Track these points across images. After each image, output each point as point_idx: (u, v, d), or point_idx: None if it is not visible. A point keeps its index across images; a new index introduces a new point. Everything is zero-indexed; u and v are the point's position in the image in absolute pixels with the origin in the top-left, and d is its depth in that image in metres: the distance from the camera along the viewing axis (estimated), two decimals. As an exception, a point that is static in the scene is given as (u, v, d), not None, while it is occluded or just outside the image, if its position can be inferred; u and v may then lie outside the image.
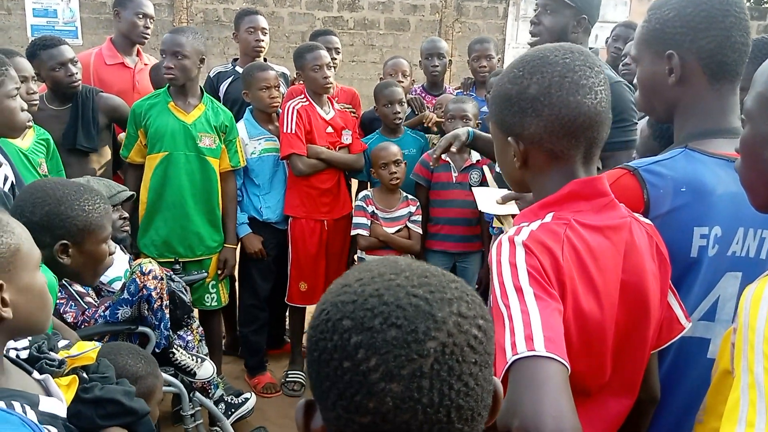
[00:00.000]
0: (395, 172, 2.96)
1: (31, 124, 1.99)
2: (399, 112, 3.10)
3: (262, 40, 3.33)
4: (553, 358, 0.85)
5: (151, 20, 3.28)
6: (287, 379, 3.20)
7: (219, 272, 2.97)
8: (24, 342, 1.09)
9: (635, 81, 1.39)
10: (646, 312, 1.07)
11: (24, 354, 1.09)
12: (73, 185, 1.67)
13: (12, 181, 1.92)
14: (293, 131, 2.95)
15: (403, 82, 3.39)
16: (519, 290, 0.91)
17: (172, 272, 2.50)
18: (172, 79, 2.72)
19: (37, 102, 2.53)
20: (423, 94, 3.57)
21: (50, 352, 1.21)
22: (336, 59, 3.41)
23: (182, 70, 2.70)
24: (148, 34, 3.28)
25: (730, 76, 1.22)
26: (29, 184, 1.74)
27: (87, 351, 1.34)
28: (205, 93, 2.88)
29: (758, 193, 0.97)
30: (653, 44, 1.25)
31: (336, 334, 0.59)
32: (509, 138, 1.08)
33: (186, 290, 2.42)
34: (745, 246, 1.17)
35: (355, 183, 3.54)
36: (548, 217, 1.02)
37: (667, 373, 1.21)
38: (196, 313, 2.64)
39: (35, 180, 1.83)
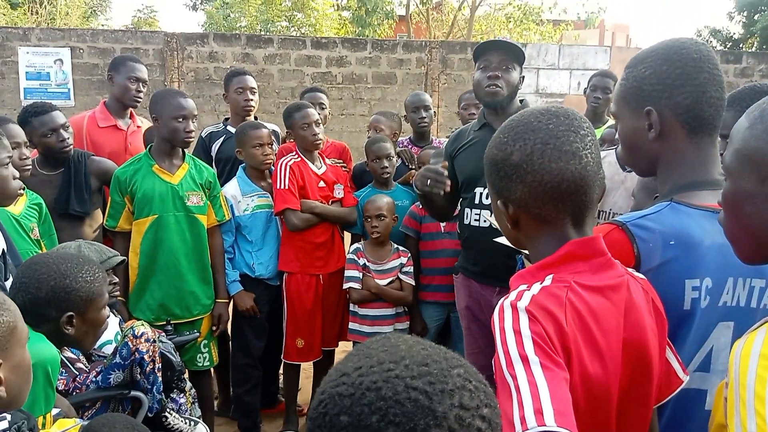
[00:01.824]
0: (376, 226, 2.99)
1: (23, 192, 2.00)
2: (387, 167, 3.15)
3: (252, 100, 3.40)
4: None
5: (144, 84, 3.35)
6: (283, 440, 3.12)
7: (213, 328, 2.94)
8: (3, 423, 1.08)
9: (617, 136, 1.42)
10: (648, 369, 1.06)
11: None
12: (73, 258, 1.72)
13: (3, 248, 1.92)
14: (286, 187, 2.98)
15: None
16: (525, 360, 0.90)
17: (164, 333, 2.46)
18: (191, 141, 2.82)
19: (30, 168, 2.55)
20: (410, 146, 3.63)
21: None
22: (323, 113, 3.46)
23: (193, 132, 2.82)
24: (140, 98, 3.34)
25: (707, 129, 1.25)
26: (28, 260, 1.76)
27: (68, 429, 1.32)
28: (186, 152, 2.91)
29: (742, 245, 0.98)
30: (631, 101, 1.28)
31: (334, 430, 0.58)
32: (498, 201, 1.10)
33: (174, 352, 2.36)
34: (735, 295, 1.18)
35: (348, 237, 3.54)
36: (548, 280, 1.01)
37: (666, 426, 1.20)
38: (187, 374, 2.59)
39: (33, 256, 1.85)
